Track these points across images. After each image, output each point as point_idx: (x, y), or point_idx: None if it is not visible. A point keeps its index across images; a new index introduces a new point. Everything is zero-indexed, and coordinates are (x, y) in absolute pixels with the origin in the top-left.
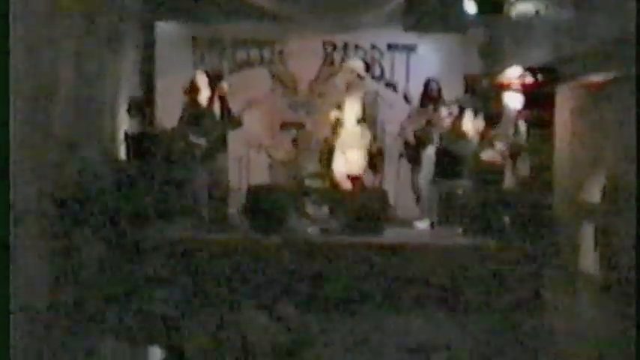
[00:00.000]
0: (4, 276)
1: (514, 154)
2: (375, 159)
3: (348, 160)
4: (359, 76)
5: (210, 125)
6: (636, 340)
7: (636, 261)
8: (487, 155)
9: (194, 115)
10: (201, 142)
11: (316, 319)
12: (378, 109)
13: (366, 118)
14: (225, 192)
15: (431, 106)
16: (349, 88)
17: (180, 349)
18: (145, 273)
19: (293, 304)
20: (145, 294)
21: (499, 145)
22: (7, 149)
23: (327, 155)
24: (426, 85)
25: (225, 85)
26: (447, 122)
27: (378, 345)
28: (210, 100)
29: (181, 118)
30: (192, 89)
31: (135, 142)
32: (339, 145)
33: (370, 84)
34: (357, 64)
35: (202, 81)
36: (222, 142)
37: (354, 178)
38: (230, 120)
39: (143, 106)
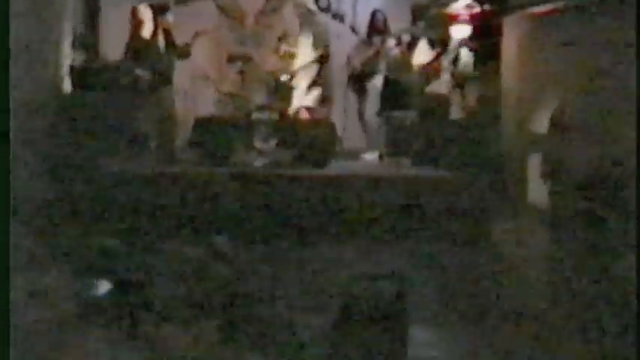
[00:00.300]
0: (4, 277)
1: (461, 85)
2: (323, 91)
3: (301, 92)
4: (309, 10)
5: (155, 58)
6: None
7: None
8: (434, 86)
9: (138, 47)
10: (146, 75)
11: (262, 251)
12: (328, 41)
13: (317, 51)
14: (172, 125)
15: (378, 37)
16: (301, 22)
17: (124, 282)
18: (89, 206)
19: (240, 236)
20: (90, 227)
21: (446, 76)
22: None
23: (274, 88)
24: (372, 16)
25: (169, 17)
26: (395, 53)
27: (326, 274)
28: (154, 32)
29: (126, 51)
30: (136, 22)
31: (79, 75)
32: (282, 75)
33: (320, 17)
34: None
35: (146, 13)
36: (167, 75)
37: (307, 110)
38: (177, 50)
39: (88, 39)
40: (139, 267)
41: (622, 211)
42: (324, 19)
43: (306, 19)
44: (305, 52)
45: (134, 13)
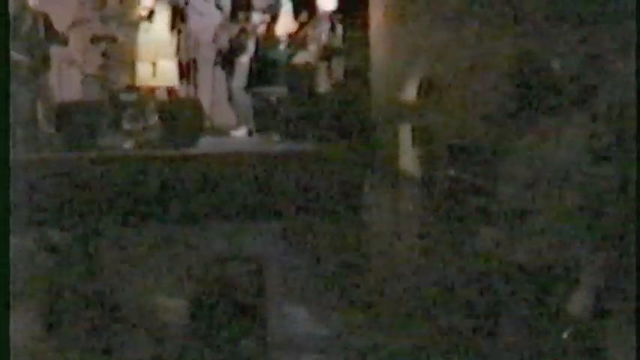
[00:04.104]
0: (3, 276)
1: (328, 56)
2: (186, 69)
3: (159, 70)
4: None
5: (34, 42)
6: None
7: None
8: (300, 59)
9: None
10: (23, 58)
11: (133, 233)
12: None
13: (175, 27)
14: (49, 110)
15: (242, 14)
16: None
17: None
18: None
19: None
20: None
21: (312, 48)
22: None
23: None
24: None
25: None
26: (261, 29)
27: (189, 255)
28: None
29: None
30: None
31: None
32: (144, 54)
33: None
34: None
35: None
36: (46, 61)
37: (169, 90)
38: (55, 37)
39: None
40: None
41: (490, 179)
42: None
43: None
44: (161, 27)
45: None
